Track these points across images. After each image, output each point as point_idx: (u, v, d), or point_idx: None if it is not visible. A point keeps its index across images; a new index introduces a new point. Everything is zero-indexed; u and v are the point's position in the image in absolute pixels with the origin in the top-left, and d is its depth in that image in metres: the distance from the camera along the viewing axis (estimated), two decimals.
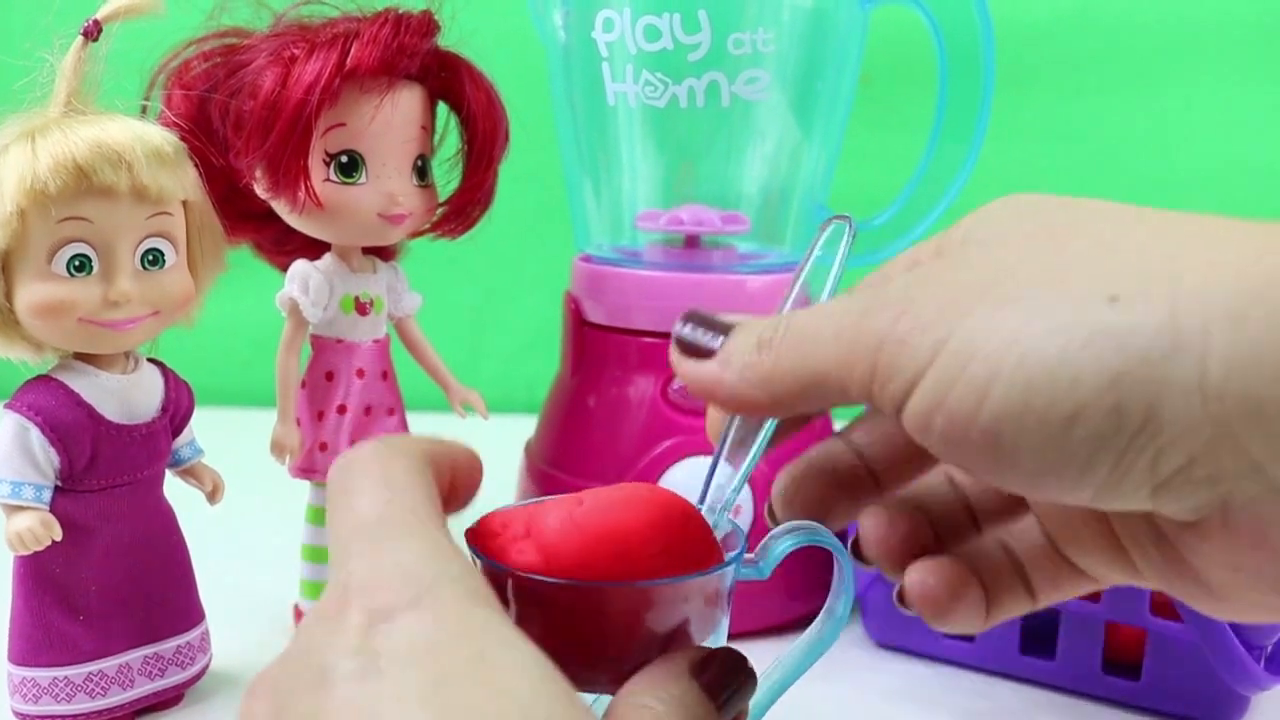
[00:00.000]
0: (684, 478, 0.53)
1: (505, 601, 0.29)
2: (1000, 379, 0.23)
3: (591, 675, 0.29)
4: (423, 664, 0.22)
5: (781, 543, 0.32)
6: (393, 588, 0.23)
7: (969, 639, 0.51)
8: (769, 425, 0.31)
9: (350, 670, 0.22)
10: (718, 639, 0.31)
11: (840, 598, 0.34)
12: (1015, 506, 0.31)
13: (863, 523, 0.31)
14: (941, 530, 0.31)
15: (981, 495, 0.32)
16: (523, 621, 0.29)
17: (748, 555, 0.32)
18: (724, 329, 0.29)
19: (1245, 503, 0.22)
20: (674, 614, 0.29)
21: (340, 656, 0.22)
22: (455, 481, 0.29)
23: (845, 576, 0.33)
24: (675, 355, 0.30)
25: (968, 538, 0.31)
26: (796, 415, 0.30)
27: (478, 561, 0.29)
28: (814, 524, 0.32)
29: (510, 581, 0.28)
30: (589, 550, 0.28)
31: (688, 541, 0.29)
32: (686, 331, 0.29)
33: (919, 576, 0.29)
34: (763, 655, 0.32)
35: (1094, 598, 0.47)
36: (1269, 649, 0.46)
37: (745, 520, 0.53)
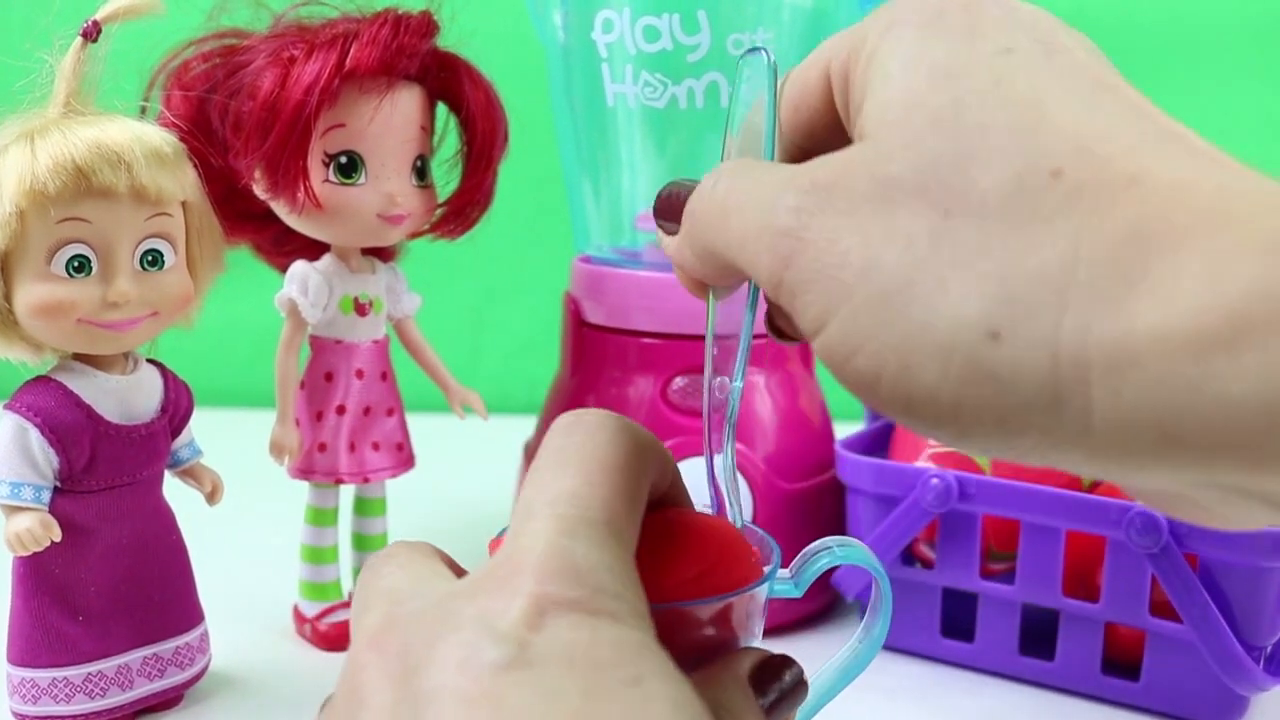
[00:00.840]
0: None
1: None
2: (885, 379, 0.22)
3: None
4: (578, 672, 0.21)
5: (819, 560, 0.32)
6: (560, 582, 0.22)
7: (969, 639, 0.51)
8: (747, 317, 0.31)
9: (499, 657, 0.21)
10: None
11: (878, 618, 0.33)
12: None
13: None
14: None
15: None
16: None
17: (783, 571, 0.31)
18: (683, 195, 0.28)
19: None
20: (703, 634, 0.28)
21: (490, 640, 0.21)
22: (656, 487, 0.27)
23: (883, 597, 0.33)
24: (659, 234, 0.30)
25: None
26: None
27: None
28: (852, 541, 0.32)
29: None
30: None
31: (724, 563, 0.29)
32: (664, 197, 0.29)
33: None
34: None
35: (1094, 598, 0.47)
36: (1268, 649, 0.46)
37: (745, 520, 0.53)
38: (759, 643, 0.31)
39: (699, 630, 0.28)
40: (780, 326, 0.30)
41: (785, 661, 0.28)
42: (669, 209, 0.29)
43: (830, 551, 0.32)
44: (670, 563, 0.27)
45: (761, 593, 0.30)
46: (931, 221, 0.22)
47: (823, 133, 0.28)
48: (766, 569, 0.30)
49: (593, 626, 0.22)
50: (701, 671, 0.27)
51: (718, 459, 0.31)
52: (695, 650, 0.28)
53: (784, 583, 0.32)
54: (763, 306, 0.30)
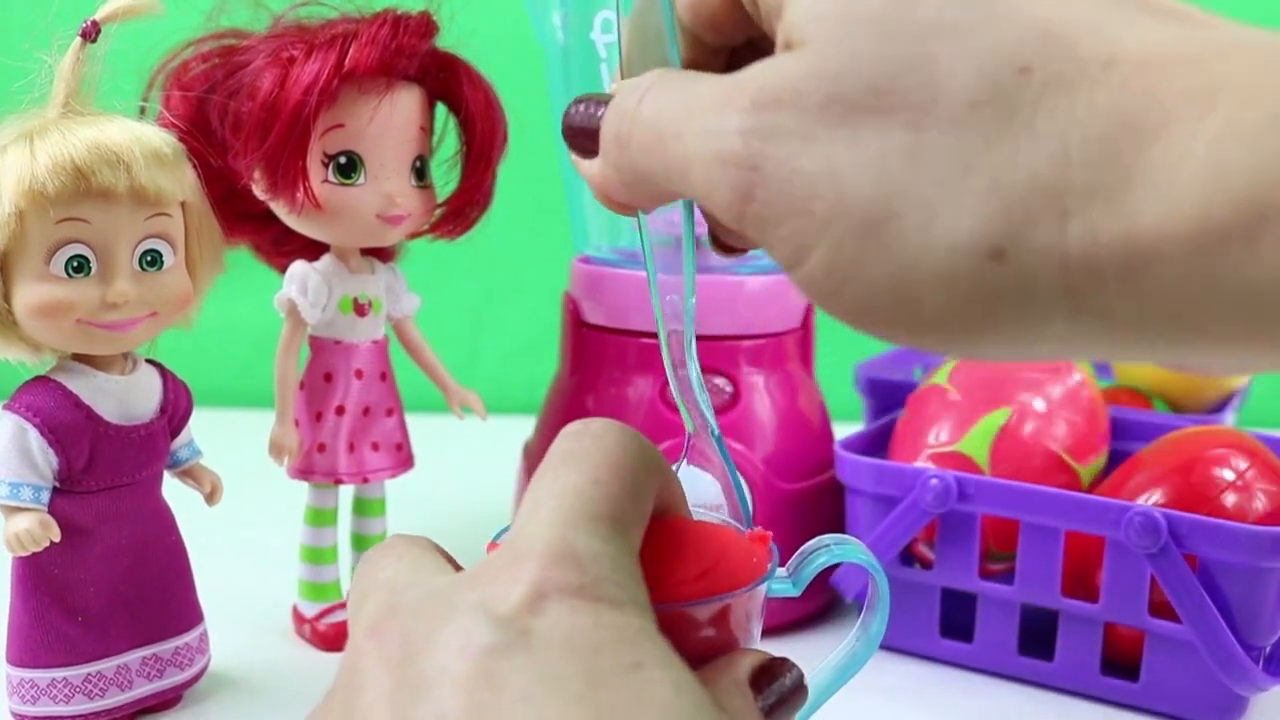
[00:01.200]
0: (684, 478, 0.53)
1: None
2: (881, 309, 0.21)
3: None
4: (580, 657, 0.20)
5: (816, 558, 0.32)
6: (562, 569, 0.22)
7: (968, 639, 0.51)
8: (686, 231, 0.29)
9: (499, 641, 0.20)
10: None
11: (875, 616, 0.33)
12: None
13: None
14: None
15: None
16: None
17: (781, 570, 0.31)
18: (599, 114, 0.26)
19: None
20: (703, 634, 0.28)
21: (491, 625, 0.21)
22: (660, 499, 0.27)
23: (880, 595, 0.33)
24: (570, 152, 0.27)
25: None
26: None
27: None
28: (849, 539, 0.32)
29: None
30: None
31: (724, 564, 0.28)
32: (573, 117, 0.27)
33: None
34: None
35: (1093, 598, 0.47)
36: (1267, 649, 0.46)
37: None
38: (758, 644, 0.31)
39: (699, 631, 0.28)
40: (726, 243, 0.29)
41: (785, 664, 0.28)
42: (583, 132, 0.27)
43: (828, 549, 0.32)
44: (671, 564, 0.27)
45: (760, 592, 0.29)
46: (901, 139, 0.20)
47: (729, 27, 0.26)
48: (766, 573, 0.30)
49: (594, 612, 0.21)
50: (700, 672, 0.27)
51: (683, 373, 0.31)
52: (695, 651, 0.28)
53: (782, 581, 0.32)
54: (702, 224, 0.28)
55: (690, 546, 0.28)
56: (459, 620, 0.21)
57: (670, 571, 0.27)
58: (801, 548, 0.32)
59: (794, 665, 0.28)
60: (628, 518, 0.24)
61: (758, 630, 0.30)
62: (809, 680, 0.32)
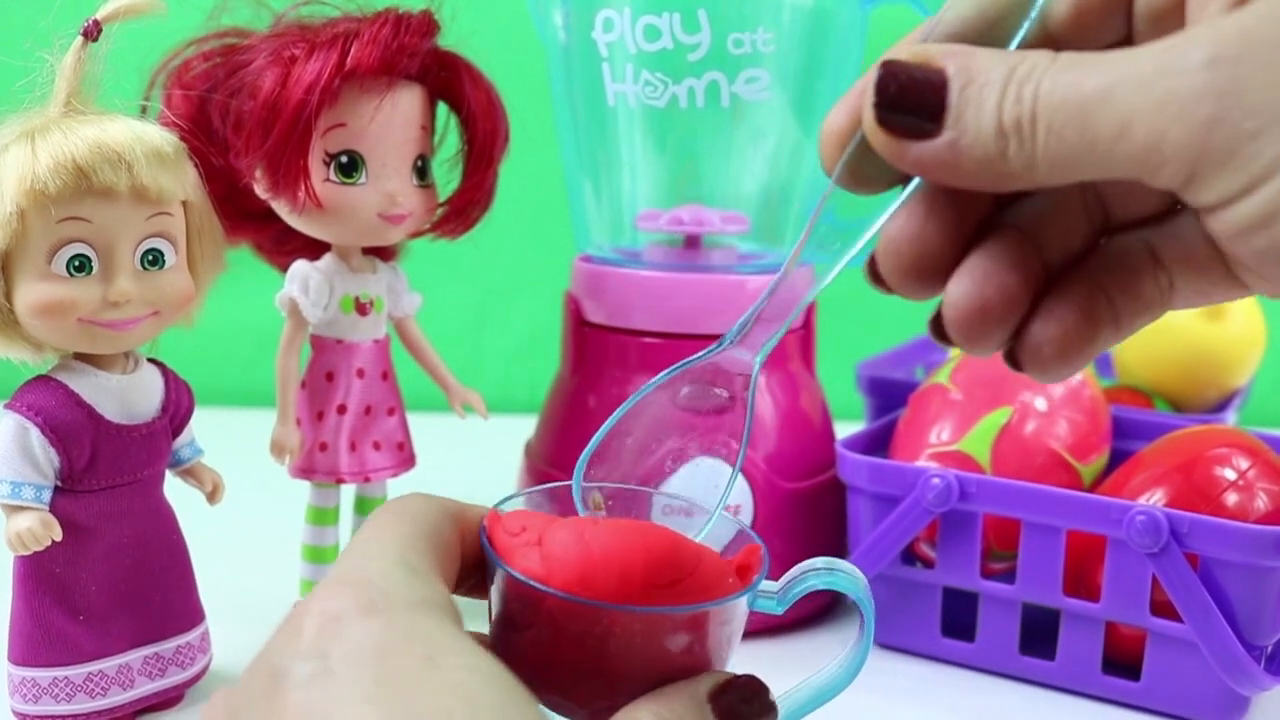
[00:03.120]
0: (684, 478, 0.53)
1: (507, 605, 0.29)
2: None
3: (575, 696, 0.29)
4: (371, 664, 0.22)
5: (807, 580, 0.32)
6: (347, 594, 0.24)
7: (969, 638, 0.51)
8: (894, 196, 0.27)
9: (304, 673, 0.22)
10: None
11: (859, 647, 0.33)
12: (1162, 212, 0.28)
13: (950, 299, 0.26)
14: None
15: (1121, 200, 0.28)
16: (515, 629, 0.29)
17: (770, 583, 0.31)
18: (937, 93, 0.24)
19: None
20: (673, 643, 0.28)
21: (293, 660, 0.23)
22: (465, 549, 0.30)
23: (867, 625, 0.33)
24: (882, 136, 0.24)
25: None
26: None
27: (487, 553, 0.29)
28: (845, 567, 0.32)
29: (506, 582, 0.28)
30: (591, 569, 0.28)
31: (695, 583, 0.29)
32: (901, 96, 0.24)
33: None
34: (754, 657, 0.31)
35: (1094, 598, 0.47)
36: (1269, 649, 0.46)
37: (744, 520, 0.53)
38: (731, 666, 0.30)
39: (662, 640, 0.28)
40: (949, 335, 0.27)
41: (750, 683, 0.28)
42: (919, 110, 0.24)
43: (820, 575, 0.32)
44: (645, 570, 0.28)
45: (736, 608, 0.29)
46: None
47: (1097, 21, 0.26)
48: (745, 588, 0.30)
49: (384, 623, 0.23)
50: (660, 690, 0.27)
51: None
52: (660, 663, 0.28)
53: (767, 598, 0.31)
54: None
55: (662, 556, 0.28)
56: (262, 669, 0.23)
57: (630, 574, 0.28)
58: (796, 567, 0.32)
59: (761, 686, 0.29)
60: (414, 548, 0.27)
61: (729, 651, 0.30)
62: (782, 699, 0.31)
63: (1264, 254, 0.22)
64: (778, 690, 0.30)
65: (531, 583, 0.27)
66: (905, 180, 0.27)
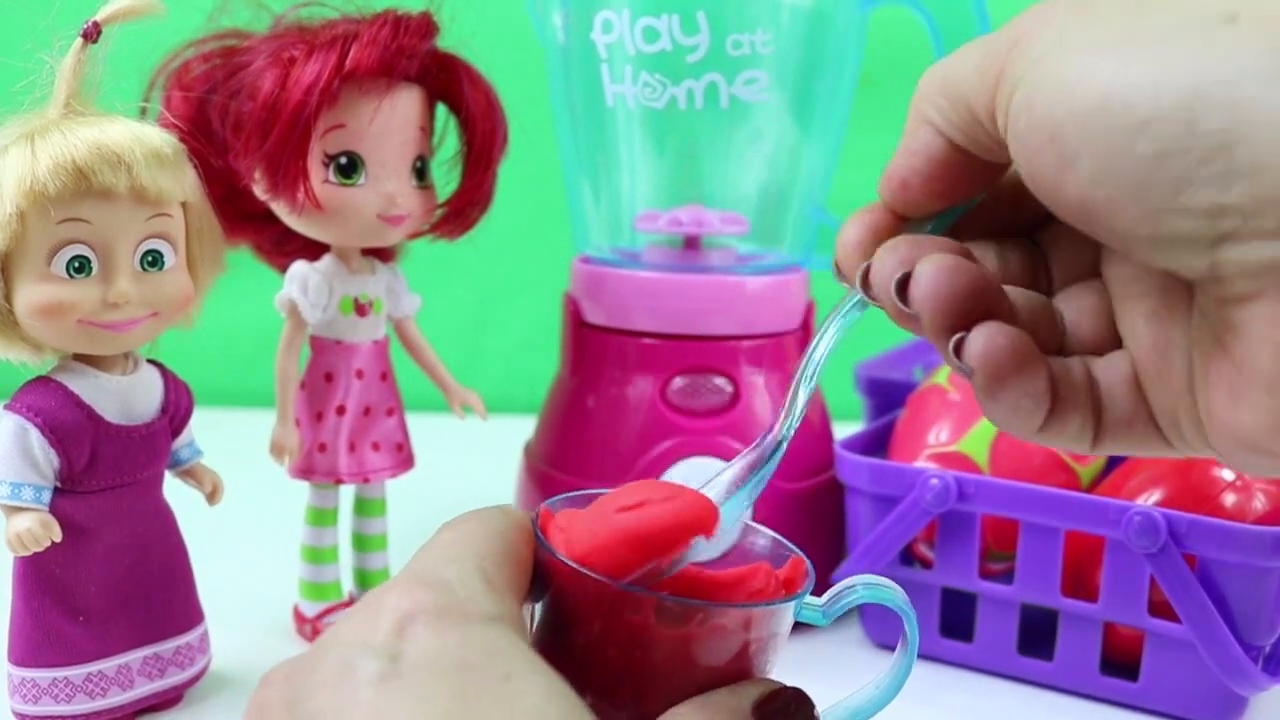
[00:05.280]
0: (683, 478, 0.53)
1: (552, 600, 0.29)
2: (1086, 82, 0.22)
3: (618, 698, 0.28)
4: (448, 677, 0.22)
5: (853, 594, 0.32)
6: (423, 594, 0.24)
7: (968, 639, 0.51)
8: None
9: (374, 671, 0.22)
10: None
11: (903, 662, 0.33)
12: (1109, 340, 0.28)
13: (923, 265, 0.26)
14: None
15: (1079, 319, 0.28)
16: (558, 628, 0.29)
17: (816, 599, 0.31)
18: None
19: None
20: (716, 643, 0.28)
21: (365, 654, 0.22)
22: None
23: (910, 640, 0.32)
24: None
25: (1048, 348, 0.28)
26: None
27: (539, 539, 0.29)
28: (887, 584, 0.32)
29: (551, 573, 0.28)
30: (619, 545, 0.28)
31: (750, 584, 0.29)
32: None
33: (989, 333, 0.25)
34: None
35: (1093, 598, 0.48)
36: (1267, 649, 0.46)
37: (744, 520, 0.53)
38: (774, 675, 0.30)
39: (713, 641, 0.28)
40: (911, 296, 0.27)
41: (796, 696, 0.28)
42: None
43: (866, 588, 0.32)
44: (675, 523, 0.28)
45: (782, 614, 0.29)
46: None
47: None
48: (794, 594, 0.30)
49: (462, 630, 0.23)
50: (703, 698, 0.27)
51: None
52: (703, 666, 0.28)
53: (812, 610, 0.31)
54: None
55: (692, 508, 0.29)
56: (334, 655, 0.23)
57: (655, 544, 0.28)
58: (838, 585, 0.32)
59: (806, 698, 0.28)
60: (499, 560, 0.26)
61: (773, 659, 0.30)
62: (824, 716, 0.31)
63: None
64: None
65: (574, 564, 0.27)
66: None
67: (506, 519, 0.28)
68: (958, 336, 0.26)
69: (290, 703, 0.23)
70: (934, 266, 0.26)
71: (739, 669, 0.29)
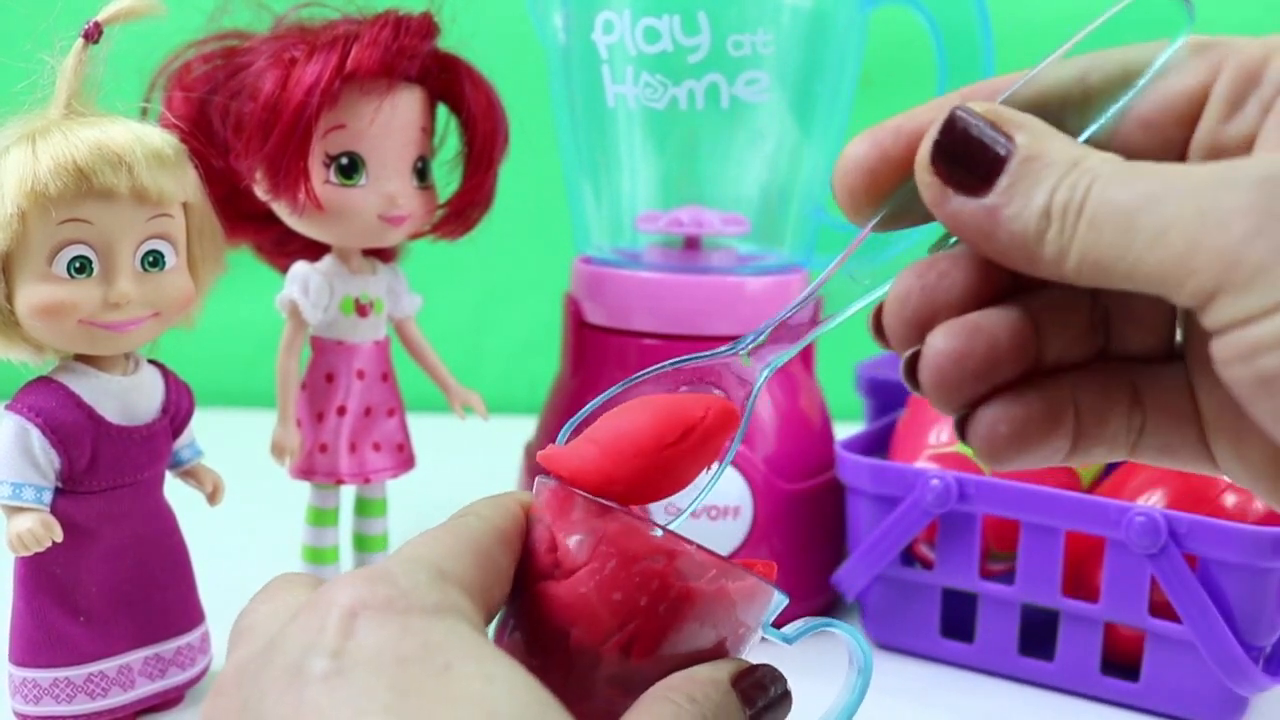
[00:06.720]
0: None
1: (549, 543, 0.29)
2: None
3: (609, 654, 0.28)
4: (389, 671, 0.22)
5: (809, 624, 0.32)
6: (366, 588, 0.24)
7: (969, 639, 0.51)
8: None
9: (319, 669, 0.22)
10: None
11: (852, 693, 0.32)
12: (1162, 348, 0.27)
13: (929, 346, 0.26)
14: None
15: (1125, 325, 0.27)
16: (552, 575, 0.29)
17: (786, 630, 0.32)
18: (999, 156, 0.24)
19: None
20: (720, 613, 0.29)
21: (310, 653, 0.23)
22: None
23: (863, 669, 0.32)
24: (929, 176, 0.25)
25: (1085, 354, 0.27)
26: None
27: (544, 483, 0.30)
28: (838, 623, 0.32)
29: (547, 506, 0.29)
30: (608, 459, 0.28)
31: (709, 427, 0.30)
32: (954, 137, 0.24)
33: (990, 419, 0.25)
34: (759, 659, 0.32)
35: (1093, 599, 0.48)
36: (1267, 649, 0.46)
37: (744, 521, 0.53)
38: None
39: (713, 608, 0.28)
40: (919, 379, 0.27)
41: (771, 670, 0.29)
42: (980, 166, 0.24)
43: (822, 624, 0.32)
44: (652, 433, 0.29)
45: (773, 600, 0.30)
46: None
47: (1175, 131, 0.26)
48: (772, 599, 0.30)
49: (401, 625, 0.23)
50: (687, 671, 0.28)
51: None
52: (690, 649, 0.28)
53: (775, 631, 0.31)
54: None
55: (671, 413, 0.30)
56: (282, 658, 0.23)
57: (653, 442, 0.29)
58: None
59: (780, 673, 0.29)
60: (466, 561, 0.26)
61: (745, 647, 0.30)
62: None
63: (1268, 378, 0.21)
64: None
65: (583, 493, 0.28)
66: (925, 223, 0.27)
67: (483, 526, 0.28)
68: (960, 415, 0.26)
69: (240, 710, 0.23)
70: (936, 352, 0.25)
71: (716, 648, 0.29)
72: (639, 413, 0.29)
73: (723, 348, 0.32)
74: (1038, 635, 0.50)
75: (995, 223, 0.24)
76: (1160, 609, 0.46)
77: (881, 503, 0.51)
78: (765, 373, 0.31)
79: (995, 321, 0.26)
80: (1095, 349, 0.27)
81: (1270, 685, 0.45)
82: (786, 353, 0.31)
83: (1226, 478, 0.26)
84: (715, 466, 0.31)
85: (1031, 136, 0.24)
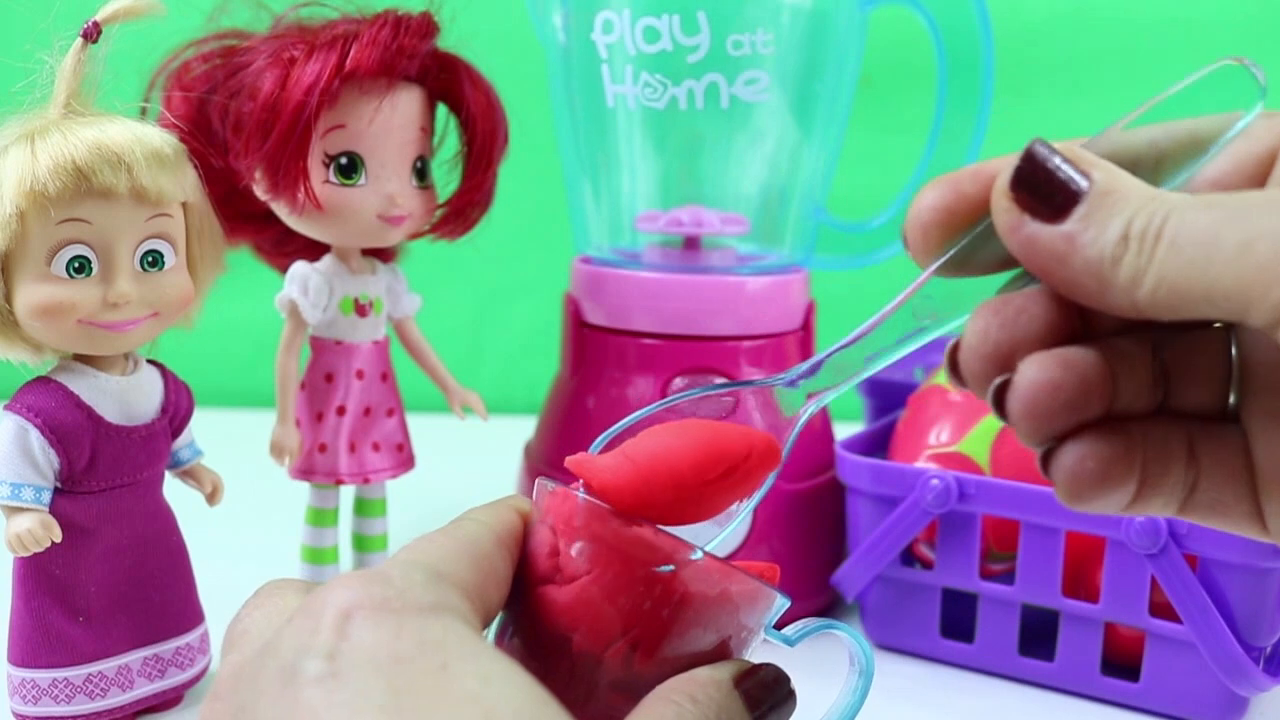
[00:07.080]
0: None
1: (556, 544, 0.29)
2: None
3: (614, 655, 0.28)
4: (385, 672, 0.22)
5: (811, 625, 0.32)
6: (360, 588, 0.24)
7: (969, 639, 0.51)
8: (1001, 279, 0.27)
9: (313, 672, 0.22)
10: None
11: (853, 695, 0.32)
12: (1218, 406, 0.28)
13: (1020, 375, 0.25)
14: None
15: (1184, 383, 0.28)
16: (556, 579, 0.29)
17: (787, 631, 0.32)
18: (1077, 189, 0.24)
19: None
20: (725, 616, 0.29)
21: (305, 656, 0.23)
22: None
23: (865, 670, 0.33)
24: (1006, 202, 0.25)
25: (1144, 407, 0.27)
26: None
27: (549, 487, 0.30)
28: (840, 624, 0.32)
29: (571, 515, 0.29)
30: (642, 480, 0.28)
31: (751, 467, 0.29)
32: (1049, 178, 0.24)
33: (1079, 455, 0.25)
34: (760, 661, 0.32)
35: (1093, 599, 0.47)
36: (1268, 650, 0.46)
37: (741, 533, 0.53)
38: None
39: (718, 612, 0.28)
40: (1007, 409, 0.26)
41: (774, 670, 0.29)
42: (1058, 194, 0.24)
43: (823, 626, 0.32)
44: (692, 466, 0.29)
45: (775, 604, 0.30)
46: None
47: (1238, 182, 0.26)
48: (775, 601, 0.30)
49: (396, 624, 0.23)
50: (690, 673, 0.28)
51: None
52: (693, 650, 0.28)
53: (777, 633, 0.31)
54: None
55: (713, 447, 0.29)
56: (277, 660, 0.23)
57: (693, 474, 0.28)
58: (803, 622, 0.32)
59: (783, 673, 0.29)
60: (464, 563, 0.26)
61: (748, 647, 0.30)
62: None
63: None
64: None
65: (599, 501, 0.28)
66: (1000, 270, 0.27)
67: (481, 532, 0.28)
68: (1045, 449, 0.26)
69: (236, 714, 0.23)
70: (1029, 382, 0.25)
71: (720, 649, 0.29)
72: (680, 438, 0.29)
73: (772, 377, 0.32)
74: (1038, 635, 0.50)
75: (1071, 248, 0.24)
76: (1160, 609, 0.46)
77: (881, 503, 0.51)
78: (812, 408, 0.31)
79: (1082, 357, 0.26)
80: (1156, 403, 0.27)
81: (1270, 686, 0.45)
82: (835, 390, 0.31)
83: (1277, 541, 0.27)
84: (747, 500, 0.31)
85: (1107, 174, 0.24)
